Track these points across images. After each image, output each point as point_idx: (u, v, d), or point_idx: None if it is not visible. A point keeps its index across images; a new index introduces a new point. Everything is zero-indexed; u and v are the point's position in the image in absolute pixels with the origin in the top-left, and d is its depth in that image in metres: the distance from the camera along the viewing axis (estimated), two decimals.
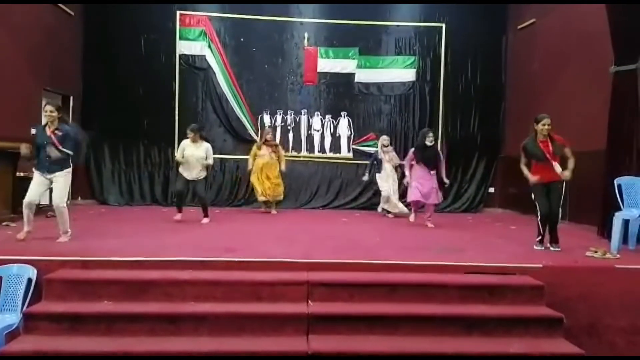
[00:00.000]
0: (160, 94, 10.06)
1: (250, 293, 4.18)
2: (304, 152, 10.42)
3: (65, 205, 5.41)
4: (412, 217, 7.85)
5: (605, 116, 6.64)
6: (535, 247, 5.62)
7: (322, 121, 10.43)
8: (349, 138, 10.46)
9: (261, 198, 8.85)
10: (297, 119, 10.39)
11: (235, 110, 10.21)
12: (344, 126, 10.45)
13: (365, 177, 8.87)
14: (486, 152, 10.51)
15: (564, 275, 4.63)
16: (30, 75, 8.19)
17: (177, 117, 10.00)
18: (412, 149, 7.79)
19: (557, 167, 5.41)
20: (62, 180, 5.37)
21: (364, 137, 10.39)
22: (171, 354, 3.63)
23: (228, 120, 10.23)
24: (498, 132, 10.56)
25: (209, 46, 10.17)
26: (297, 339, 3.82)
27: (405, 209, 8.60)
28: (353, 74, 10.39)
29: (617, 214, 5.69)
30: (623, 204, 5.75)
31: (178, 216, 7.48)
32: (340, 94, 10.47)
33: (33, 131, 6.31)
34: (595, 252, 5.27)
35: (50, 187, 5.47)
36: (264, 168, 8.76)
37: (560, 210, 5.52)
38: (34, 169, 5.42)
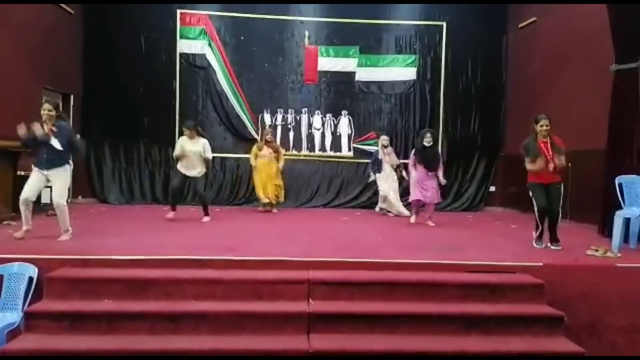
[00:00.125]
0: (160, 92, 10.07)
1: (250, 292, 4.18)
2: (304, 151, 10.42)
3: (65, 203, 5.41)
4: (412, 219, 7.79)
5: (605, 116, 6.64)
6: (534, 245, 5.62)
7: (322, 120, 10.44)
8: (349, 137, 10.46)
9: (264, 200, 8.85)
10: (298, 118, 10.39)
11: (235, 109, 10.22)
12: (344, 125, 10.45)
13: (372, 177, 8.81)
14: (487, 151, 10.52)
15: (565, 273, 4.63)
16: (30, 75, 8.19)
17: (177, 116, 10.01)
18: (413, 151, 7.80)
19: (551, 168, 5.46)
20: (61, 178, 5.36)
21: (365, 136, 10.39)
22: (171, 352, 3.64)
23: (228, 119, 10.23)
24: (498, 131, 10.56)
25: (210, 45, 10.17)
26: (297, 337, 3.82)
27: (404, 211, 8.55)
28: (353, 73, 10.39)
29: (617, 212, 5.69)
30: (624, 203, 5.76)
31: (171, 214, 7.42)
32: (340, 93, 10.47)
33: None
34: (596, 250, 5.27)
35: (47, 184, 5.46)
36: (265, 169, 8.77)
37: (560, 210, 5.53)
38: (33, 166, 5.41)
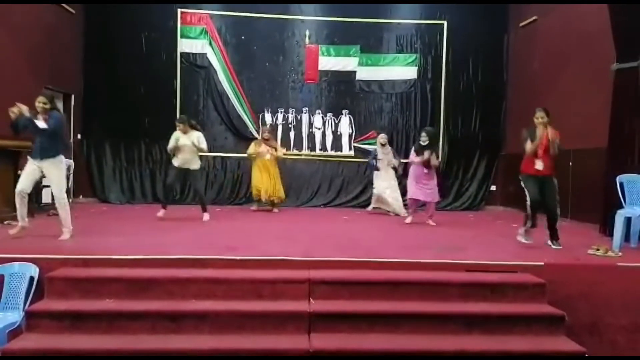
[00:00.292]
0: (161, 92, 10.07)
1: (251, 291, 4.18)
2: (305, 150, 10.41)
3: (65, 196, 5.43)
4: (408, 219, 7.71)
5: (605, 115, 6.64)
6: (519, 239, 5.55)
7: (323, 119, 10.43)
8: (350, 136, 10.46)
9: (264, 196, 8.81)
10: (299, 117, 10.38)
11: (236, 108, 10.22)
12: (345, 124, 10.45)
13: (380, 167, 8.68)
14: (487, 150, 10.52)
15: (566, 273, 4.63)
16: (31, 75, 8.19)
17: (178, 115, 9.98)
18: (413, 150, 7.80)
19: (539, 164, 5.46)
20: (56, 169, 5.38)
21: (366, 135, 10.38)
22: (172, 352, 3.64)
23: (229, 118, 10.23)
24: (499, 131, 10.55)
25: (210, 44, 10.17)
26: (298, 337, 3.82)
27: (401, 211, 8.48)
28: (354, 72, 10.39)
29: (619, 211, 5.69)
30: (625, 202, 5.75)
31: (161, 212, 7.35)
32: (341, 92, 10.47)
33: None
34: (597, 250, 5.26)
35: (42, 176, 5.49)
36: (264, 166, 8.77)
37: (557, 205, 5.52)
38: (28, 157, 5.43)
